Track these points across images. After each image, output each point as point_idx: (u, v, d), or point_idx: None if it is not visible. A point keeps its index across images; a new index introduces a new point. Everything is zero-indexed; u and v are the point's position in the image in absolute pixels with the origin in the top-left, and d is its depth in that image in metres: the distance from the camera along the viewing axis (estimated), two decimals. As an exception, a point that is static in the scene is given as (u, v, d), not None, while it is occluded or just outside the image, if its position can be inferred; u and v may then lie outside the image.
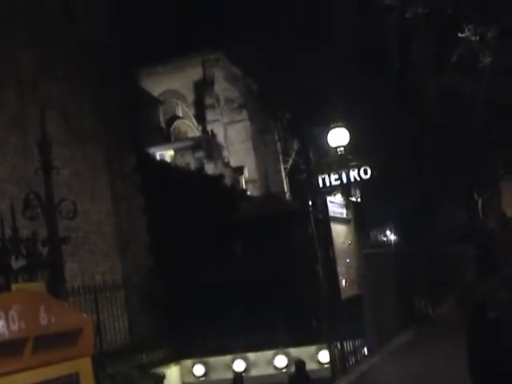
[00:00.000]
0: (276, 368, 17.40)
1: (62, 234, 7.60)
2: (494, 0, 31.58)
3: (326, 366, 15.99)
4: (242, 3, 38.36)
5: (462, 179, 39.67)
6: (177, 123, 54.79)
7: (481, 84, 35.72)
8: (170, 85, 55.42)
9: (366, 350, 16.93)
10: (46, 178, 7.52)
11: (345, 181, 17.47)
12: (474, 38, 34.23)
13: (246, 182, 53.95)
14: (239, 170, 53.71)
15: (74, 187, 17.30)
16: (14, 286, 5.86)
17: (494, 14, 32.12)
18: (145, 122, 40.35)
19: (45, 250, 7.17)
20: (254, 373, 17.55)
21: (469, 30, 33.96)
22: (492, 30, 33.45)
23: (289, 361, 17.11)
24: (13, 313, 4.75)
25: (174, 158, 46.18)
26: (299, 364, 15.71)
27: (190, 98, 56.90)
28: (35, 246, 7.00)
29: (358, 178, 17.49)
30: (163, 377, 15.70)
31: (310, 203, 16.19)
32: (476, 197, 44.00)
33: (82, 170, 18.35)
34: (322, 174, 17.73)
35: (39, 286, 6.04)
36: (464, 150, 37.53)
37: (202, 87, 56.42)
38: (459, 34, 34.21)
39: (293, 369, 16.19)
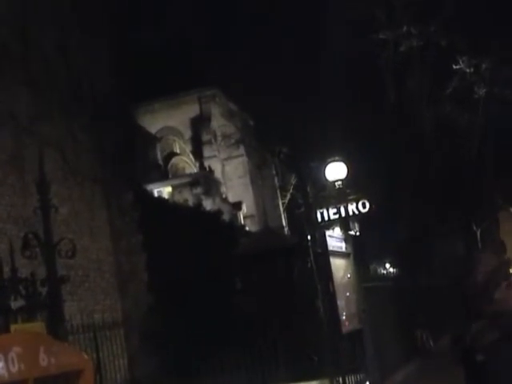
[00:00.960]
0: (277, 404, 17.24)
1: (61, 272, 7.56)
2: (487, 31, 31.89)
3: (328, 401, 15.85)
4: (237, 40, 38.72)
5: (459, 210, 39.66)
6: (174, 160, 54.94)
7: (476, 115, 35.96)
8: (167, 122, 55.53)
9: (368, 384, 16.81)
10: (45, 217, 7.50)
11: (343, 215, 17.46)
12: (468, 70, 34.52)
13: (244, 218, 53.92)
14: (237, 206, 53.70)
15: (73, 225, 17.23)
16: (13, 327, 5.82)
17: (486, 44, 32.44)
18: (142, 159, 40.47)
19: (44, 290, 7.13)
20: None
21: (463, 61, 34.25)
22: (486, 61, 33.75)
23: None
24: (12, 354, 4.70)
25: (172, 194, 46.22)
26: None
27: (187, 134, 57.00)
28: (34, 286, 6.96)
29: (357, 212, 17.48)
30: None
31: (309, 238, 16.14)
32: (474, 227, 43.93)
33: (79, 208, 18.28)
34: (321, 208, 17.73)
35: (39, 327, 6.01)
36: (460, 179, 37.60)
37: (199, 123, 56.52)
38: (454, 66, 34.50)
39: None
